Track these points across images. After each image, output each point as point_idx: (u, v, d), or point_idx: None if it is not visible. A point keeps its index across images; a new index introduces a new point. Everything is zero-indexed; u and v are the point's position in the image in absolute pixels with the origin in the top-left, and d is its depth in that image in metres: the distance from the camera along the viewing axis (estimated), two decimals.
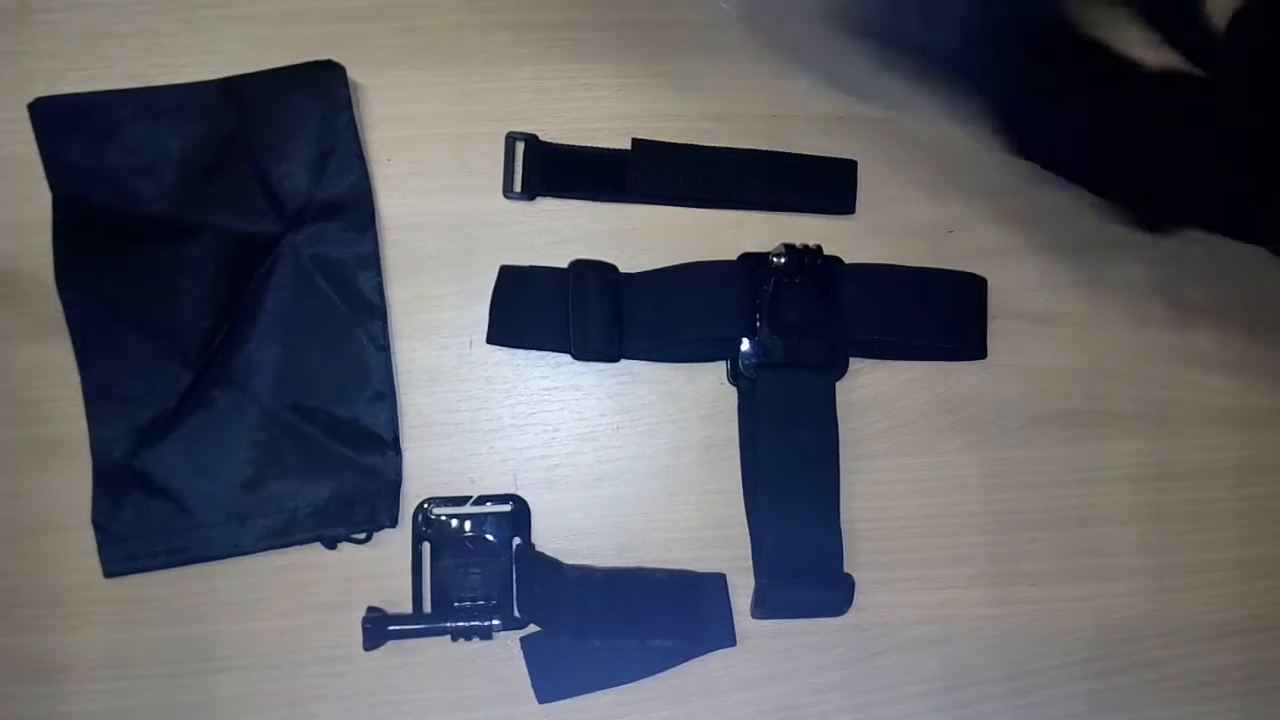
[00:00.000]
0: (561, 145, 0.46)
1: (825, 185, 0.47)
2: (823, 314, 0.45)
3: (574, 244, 0.46)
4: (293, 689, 0.44)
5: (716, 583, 0.46)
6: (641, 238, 0.46)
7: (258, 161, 0.44)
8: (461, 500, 0.45)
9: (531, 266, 0.45)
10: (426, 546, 0.45)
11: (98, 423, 0.43)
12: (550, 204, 0.46)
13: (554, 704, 0.45)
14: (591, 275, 0.45)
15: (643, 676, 0.46)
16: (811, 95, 0.47)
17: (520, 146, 0.46)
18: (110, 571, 0.43)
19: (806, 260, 0.44)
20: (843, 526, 0.45)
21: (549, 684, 0.45)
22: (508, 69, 0.46)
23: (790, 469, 0.45)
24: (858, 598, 0.45)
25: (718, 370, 0.46)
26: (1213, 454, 0.49)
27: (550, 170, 0.46)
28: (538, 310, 0.45)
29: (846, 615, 0.46)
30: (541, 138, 0.46)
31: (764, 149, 0.46)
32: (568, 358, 0.45)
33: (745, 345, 0.45)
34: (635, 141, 0.46)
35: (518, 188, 0.46)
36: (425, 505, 0.45)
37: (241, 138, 0.43)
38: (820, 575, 0.45)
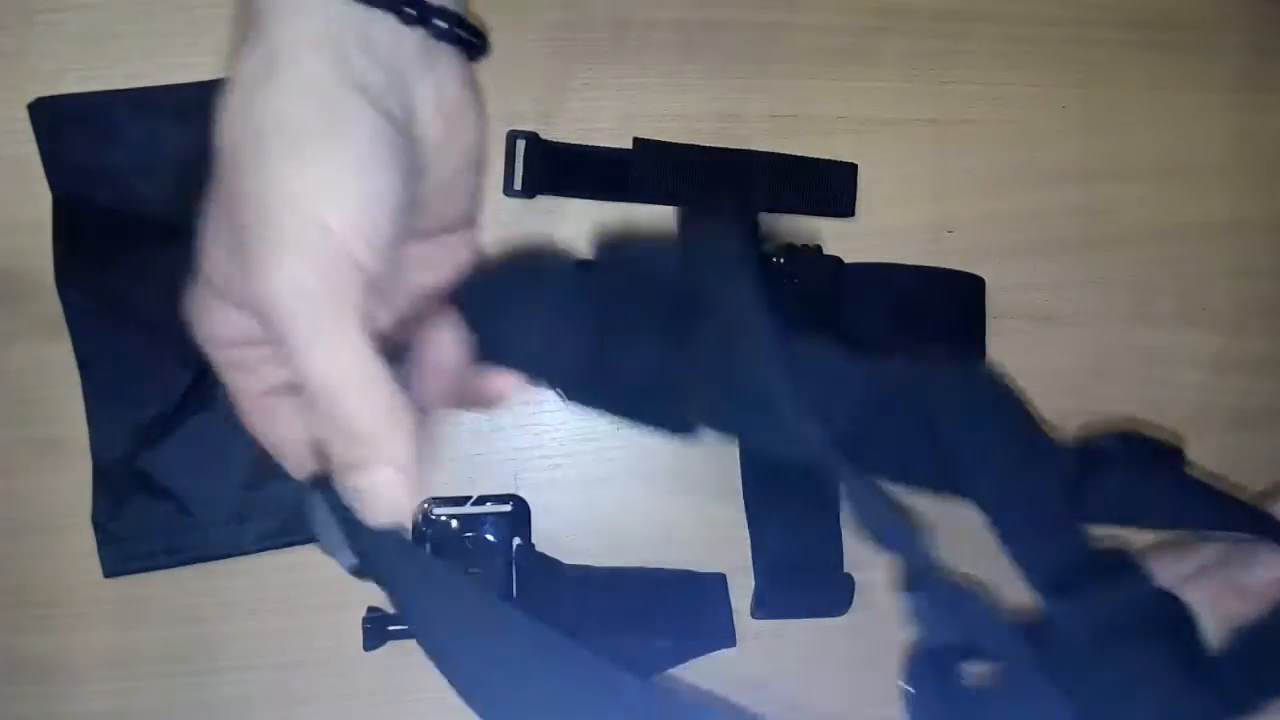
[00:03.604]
0: (563, 144, 0.46)
1: (825, 187, 0.47)
2: (823, 314, 0.45)
3: (574, 244, 0.46)
4: (293, 689, 0.44)
5: (716, 583, 0.46)
6: None
7: None
8: (461, 500, 0.45)
9: None
10: (426, 546, 0.45)
11: (98, 423, 0.43)
12: (550, 203, 0.46)
13: None
14: None
15: (642, 676, 0.45)
16: (811, 95, 0.47)
17: (521, 145, 0.45)
18: (110, 571, 0.43)
19: (806, 260, 0.44)
20: (843, 526, 0.45)
21: None
22: (508, 69, 0.46)
23: (791, 469, 0.45)
24: (858, 598, 0.45)
25: None
26: (1214, 454, 0.49)
27: (551, 169, 0.46)
28: None
29: (846, 615, 0.46)
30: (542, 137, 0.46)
31: (764, 149, 0.46)
32: None
33: None
34: (636, 141, 0.46)
35: (518, 186, 0.46)
36: (425, 505, 0.45)
37: None
38: (820, 575, 0.45)
